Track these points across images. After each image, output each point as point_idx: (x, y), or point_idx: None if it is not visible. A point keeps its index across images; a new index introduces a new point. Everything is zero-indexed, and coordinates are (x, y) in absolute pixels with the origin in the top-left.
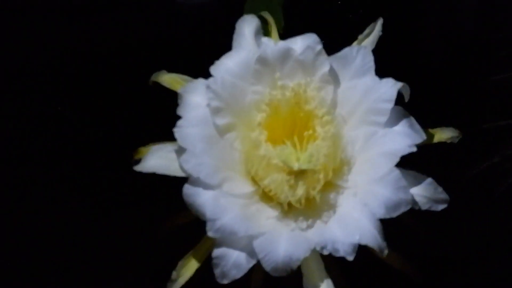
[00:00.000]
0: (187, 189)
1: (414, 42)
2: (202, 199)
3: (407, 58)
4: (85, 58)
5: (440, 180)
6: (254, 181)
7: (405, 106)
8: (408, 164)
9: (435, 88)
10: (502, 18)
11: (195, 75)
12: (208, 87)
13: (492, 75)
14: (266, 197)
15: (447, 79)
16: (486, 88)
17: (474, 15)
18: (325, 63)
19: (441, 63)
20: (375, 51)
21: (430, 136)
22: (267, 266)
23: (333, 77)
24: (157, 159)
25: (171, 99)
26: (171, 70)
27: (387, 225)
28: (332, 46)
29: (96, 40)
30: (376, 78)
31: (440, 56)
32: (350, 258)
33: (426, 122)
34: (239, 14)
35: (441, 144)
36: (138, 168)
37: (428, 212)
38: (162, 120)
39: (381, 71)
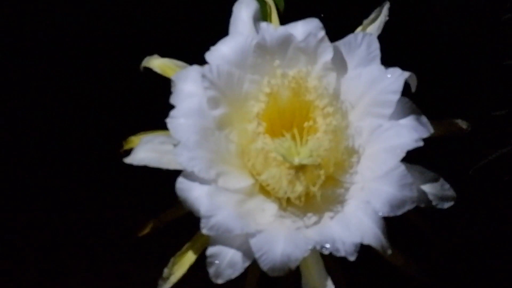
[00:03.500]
0: (181, 183)
1: (422, 27)
2: (196, 194)
3: (415, 44)
4: (74, 42)
5: (447, 173)
6: (252, 174)
7: (412, 96)
8: (414, 155)
9: (444, 75)
10: None
11: (189, 61)
12: (203, 75)
13: (504, 59)
14: (264, 191)
15: (457, 65)
16: (497, 74)
17: None
18: (328, 51)
19: (450, 49)
20: (380, 37)
21: (436, 129)
22: (264, 265)
23: (336, 66)
24: (147, 152)
25: (166, 84)
26: (164, 54)
27: (390, 222)
28: (335, 29)
29: (84, 22)
30: (382, 68)
31: (449, 41)
32: (352, 258)
33: (434, 112)
34: None
35: (450, 135)
36: (128, 160)
37: (434, 208)
38: (154, 106)
39: (387, 59)
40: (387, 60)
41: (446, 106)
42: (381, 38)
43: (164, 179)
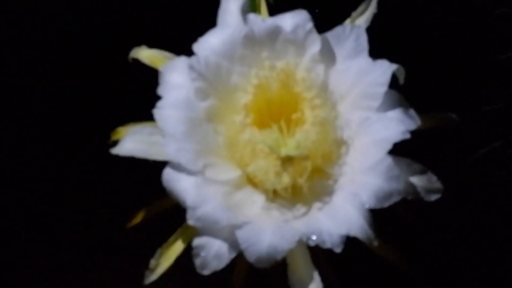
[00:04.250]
0: (168, 174)
1: (411, 20)
2: (183, 185)
3: (403, 37)
4: (61, 34)
5: (435, 167)
6: (239, 166)
7: (401, 89)
8: (402, 149)
9: (433, 68)
10: None
11: (177, 52)
12: (191, 67)
13: (494, 54)
14: (252, 183)
15: (446, 59)
16: (487, 68)
17: None
18: (316, 43)
19: (439, 42)
20: (369, 30)
21: (426, 122)
22: (250, 257)
23: (324, 58)
24: (134, 142)
25: (154, 74)
26: (152, 45)
27: (377, 215)
28: (323, 22)
29: (72, 14)
30: (370, 60)
31: (438, 34)
32: (338, 250)
33: (422, 105)
34: None
35: (437, 128)
36: (115, 151)
37: (422, 201)
38: (143, 97)
39: (375, 51)
40: (376, 53)
41: (436, 99)
42: (370, 30)
43: (152, 171)
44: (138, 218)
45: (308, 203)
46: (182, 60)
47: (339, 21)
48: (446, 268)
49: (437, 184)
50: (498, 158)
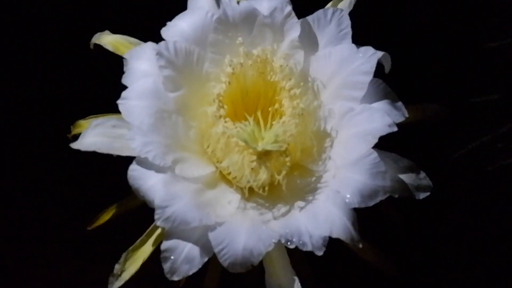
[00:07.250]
0: (133, 171)
1: (398, 4)
2: (151, 183)
3: (390, 22)
4: (20, 18)
5: (423, 163)
6: (212, 161)
7: (385, 78)
8: (388, 143)
9: (421, 57)
10: None
11: (144, 38)
12: (159, 53)
13: (487, 41)
14: (225, 180)
15: (435, 46)
16: (479, 57)
17: None
18: (295, 27)
19: (428, 29)
20: (352, 14)
21: (413, 113)
22: (224, 261)
23: (304, 44)
24: (97, 136)
25: (119, 62)
26: (116, 30)
27: (361, 214)
28: (303, 6)
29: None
30: (353, 47)
31: (427, 20)
32: (319, 252)
33: (409, 96)
34: None
35: (425, 121)
36: (75, 145)
37: (408, 199)
38: (106, 86)
39: (359, 38)
40: (360, 39)
41: (423, 90)
42: (353, 15)
43: (116, 167)
44: (102, 220)
45: (287, 202)
46: (149, 46)
47: (321, 5)
48: (434, 272)
49: (426, 181)
50: (488, 153)
